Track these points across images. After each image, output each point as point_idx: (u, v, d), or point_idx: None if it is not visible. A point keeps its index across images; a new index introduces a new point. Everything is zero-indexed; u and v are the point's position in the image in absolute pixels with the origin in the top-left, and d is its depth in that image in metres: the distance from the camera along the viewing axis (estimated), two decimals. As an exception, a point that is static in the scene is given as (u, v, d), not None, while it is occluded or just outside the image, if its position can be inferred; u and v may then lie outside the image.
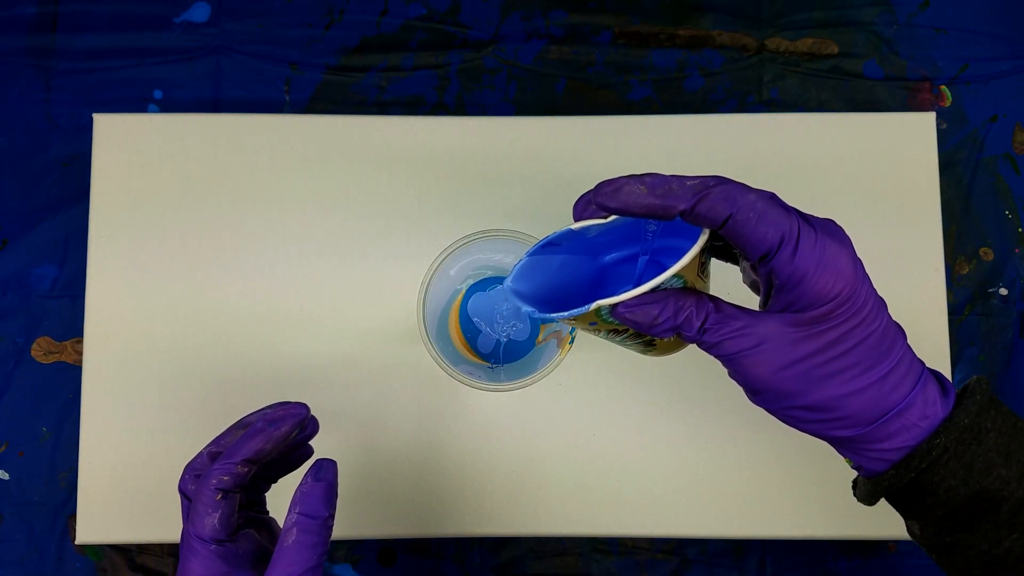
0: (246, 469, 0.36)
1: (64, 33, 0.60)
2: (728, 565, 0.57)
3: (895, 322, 0.33)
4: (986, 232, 0.59)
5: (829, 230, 0.32)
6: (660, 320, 0.31)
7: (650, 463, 0.52)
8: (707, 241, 0.32)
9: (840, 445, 0.35)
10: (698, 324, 0.32)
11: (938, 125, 0.56)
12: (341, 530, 0.52)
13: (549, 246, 0.36)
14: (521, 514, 0.52)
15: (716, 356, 0.33)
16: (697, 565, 0.57)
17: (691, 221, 0.31)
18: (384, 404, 0.53)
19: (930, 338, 0.53)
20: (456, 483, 0.52)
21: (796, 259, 0.30)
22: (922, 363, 0.34)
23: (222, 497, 0.35)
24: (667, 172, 0.32)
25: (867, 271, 0.33)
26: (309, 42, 0.60)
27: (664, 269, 0.31)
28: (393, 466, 0.52)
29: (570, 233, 0.35)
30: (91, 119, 0.54)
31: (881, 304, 0.33)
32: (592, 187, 0.33)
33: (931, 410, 0.33)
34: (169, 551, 0.56)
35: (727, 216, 0.30)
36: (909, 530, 0.36)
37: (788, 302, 0.31)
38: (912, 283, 0.54)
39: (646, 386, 0.53)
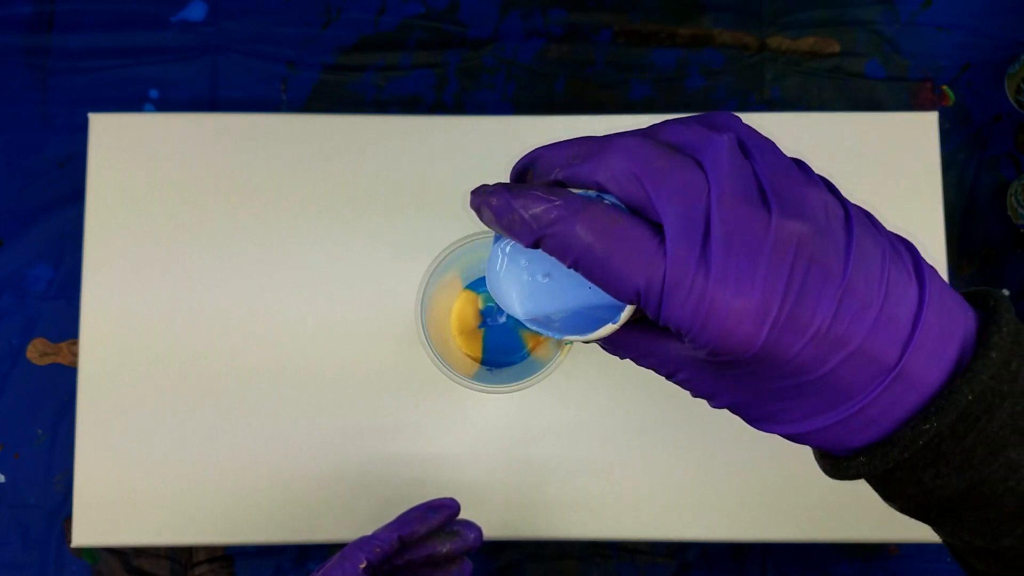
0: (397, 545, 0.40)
1: (60, 32, 0.60)
2: (729, 568, 0.56)
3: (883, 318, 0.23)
4: (989, 232, 0.59)
5: (731, 276, 0.22)
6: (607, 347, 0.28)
7: (650, 466, 0.52)
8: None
9: None
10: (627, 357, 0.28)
11: (940, 125, 0.55)
12: (339, 533, 0.52)
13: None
14: (520, 517, 0.52)
15: None
16: (697, 568, 0.56)
17: None
18: (383, 406, 0.52)
19: (932, 340, 0.53)
20: (455, 486, 0.52)
21: (663, 315, 0.23)
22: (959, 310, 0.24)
23: (365, 567, 0.38)
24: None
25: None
26: (306, 41, 0.60)
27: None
28: (392, 468, 0.52)
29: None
30: (87, 119, 0.54)
31: (839, 339, 0.22)
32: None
33: (922, 382, 0.23)
34: (165, 554, 0.56)
35: (572, 262, 0.24)
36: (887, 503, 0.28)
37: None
38: (914, 284, 0.53)
39: (646, 389, 0.52)
